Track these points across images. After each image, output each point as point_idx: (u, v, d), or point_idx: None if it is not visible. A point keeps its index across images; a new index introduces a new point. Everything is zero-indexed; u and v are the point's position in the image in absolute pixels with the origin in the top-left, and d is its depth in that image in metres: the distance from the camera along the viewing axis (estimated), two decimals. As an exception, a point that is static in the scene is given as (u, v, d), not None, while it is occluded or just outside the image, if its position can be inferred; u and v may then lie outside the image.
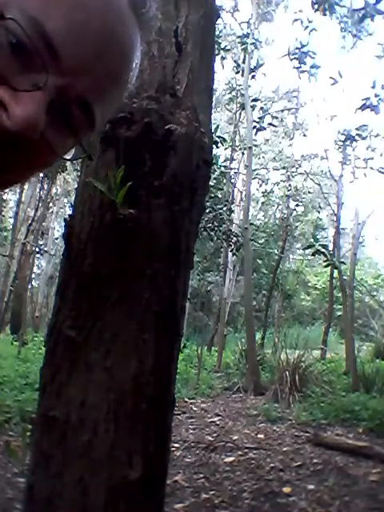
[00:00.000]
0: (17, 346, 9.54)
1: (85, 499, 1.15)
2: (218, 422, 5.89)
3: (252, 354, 8.62)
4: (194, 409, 6.59)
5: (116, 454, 1.18)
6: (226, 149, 12.81)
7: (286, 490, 3.75)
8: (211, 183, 7.34)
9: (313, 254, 9.49)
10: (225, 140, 10.63)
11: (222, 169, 9.66)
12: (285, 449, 4.89)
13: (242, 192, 14.91)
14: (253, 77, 10.92)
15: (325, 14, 8.09)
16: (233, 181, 13.50)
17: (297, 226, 17.34)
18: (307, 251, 13.32)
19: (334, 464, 4.42)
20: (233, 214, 12.26)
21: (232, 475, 4.05)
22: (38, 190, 13.02)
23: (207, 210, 8.09)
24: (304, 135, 18.04)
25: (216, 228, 9.02)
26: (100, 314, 1.23)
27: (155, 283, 1.26)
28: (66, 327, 1.24)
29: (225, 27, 12.14)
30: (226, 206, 9.61)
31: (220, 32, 9.73)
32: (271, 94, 18.42)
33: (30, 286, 15.51)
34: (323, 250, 8.76)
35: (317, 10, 7.98)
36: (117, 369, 1.20)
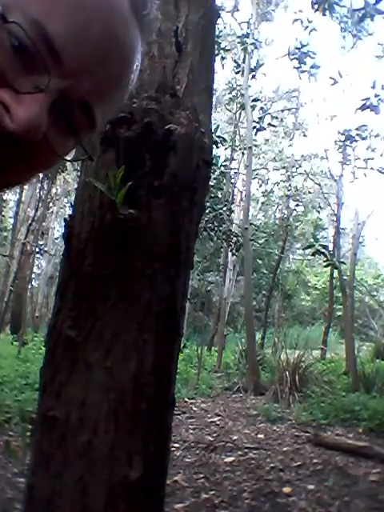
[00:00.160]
0: (17, 346, 9.54)
1: (85, 499, 1.15)
2: (218, 422, 5.89)
3: (252, 354, 8.62)
4: (194, 409, 6.59)
5: (116, 454, 1.18)
6: (226, 149, 12.82)
7: (286, 490, 3.75)
8: (211, 183, 7.34)
9: (313, 254, 9.49)
10: (225, 140, 10.64)
11: (222, 169, 9.65)
12: (285, 449, 4.89)
13: (242, 192, 14.91)
14: (253, 77, 10.93)
15: (325, 14, 8.10)
16: (233, 181, 13.51)
17: (297, 226, 17.34)
18: (307, 251, 13.32)
19: (334, 464, 4.42)
20: (233, 214, 12.26)
21: (232, 475, 4.05)
22: (37, 190, 13.02)
23: (207, 210, 8.09)
24: (304, 135, 18.05)
25: (216, 228, 9.02)
26: (100, 314, 1.23)
27: (155, 283, 1.26)
28: (66, 327, 1.24)
29: (225, 27, 12.14)
30: (226, 205, 9.61)
31: (220, 32, 9.73)
32: (271, 94, 18.42)
33: (30, 286, 15.52)
34: (323, 250, 8.76)
35: (317, 9, 7.98)
36: (117, 369, 1.20)
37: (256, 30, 12.72)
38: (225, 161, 11.25)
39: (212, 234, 9.08)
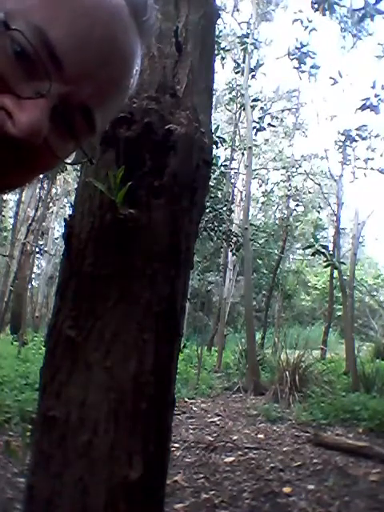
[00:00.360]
0: (17, 346, 9.54)
1: (85, 499, 1.15)
2: (218, 422, 5.89)
3: (252, 354, 8.62)
4: (194, 409, 6.59)
5: (116, 454, 1.18)
6: (225, 149, 12.82)
7: (286, 490, 3.75)
8: (211, 183, 7.34)
9: (313, 254, 9.49)
10: (225, 140, 10.64)
11: (222, 169, 9.65)
12: (285, 449, 4.89)
13: (242, 192, 14.91)
14: (253, 77, 10.94)
15: (324, 14, 8.10)
16: (233, 181, 13.52)
17: (297, 226, 17.35)
18: (307, 251, 13.32)
19: (334, 464, 4.42)
20: (233, 214, 12.26)
21: (232, 475, 4.05)
22: (37, 190, 13.02)
23: (207, 210, 8.09)
24: (304, 135, 18.06)
25: (216, 228, 9.02)
26: (100, 314, 1.23)
27: (155, 283, 1.26)
28: (66, 327, 1.24)
29: (225, 27, 12.15)
30: (226, 205, 9.61)
31: (220, 32, 9.73)
32: (271, 94, 18.42)
33: (29, 286, 15.51)
34: (323, 250, 8.77)
35: (317, 9, 7.98)
36: (117, 369, 1.20)
37: (256, 30, 12.73)
38: (225, 161, 11.24)
39: (212, 234, 9.08)
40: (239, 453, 4.68)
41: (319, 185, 14.89)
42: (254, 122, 10.55)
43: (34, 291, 19.29)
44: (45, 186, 12.67)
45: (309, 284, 21.54)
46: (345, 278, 10.10)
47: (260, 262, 16.34)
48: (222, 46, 9.87)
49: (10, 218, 16.73)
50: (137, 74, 0.53)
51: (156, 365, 1.24)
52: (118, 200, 1.22)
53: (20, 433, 4.39)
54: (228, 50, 10.96)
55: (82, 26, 0.45)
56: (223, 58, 10.26)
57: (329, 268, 11.38)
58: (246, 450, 4.76)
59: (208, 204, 8.05)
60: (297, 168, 15.77)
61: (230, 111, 14.24)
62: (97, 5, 0.46)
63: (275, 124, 13.91)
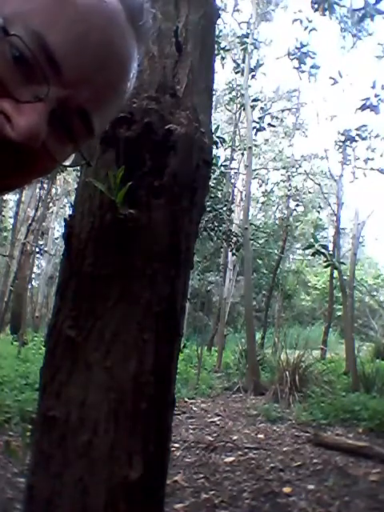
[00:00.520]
0: (17, 346, 9.54)
1: (85, 499, 1.15)
2: (218, 422, 5.89)
3: (252, 354, 8.62)
4: (194, 409, 6.59)
5: (116, 454, 1.18)
6: (225, 149, 12.81)
7: (286, 490, 3.74)
8: (211, 183, 7.34)
9: (313, 254, 9.48)
10: (225, 140, 10.64)
11: (222, 169, 9.65)
12: (285, 449, 4.89)
13: (242, 192, 14.91)
14: (253, 77, 10.94)
15: (324, 14, 8.09)
16: (233, 181, 13.52)
17: (297, 226, 17.35)
18: (307, 251, 13.31)
19: (334, 464, 4.42)
20: (233, 214, 12.26)
21: (232, 475, 4.05)
22: (37, 190, 13.01)
23: (207, 210, 8.09)
24: (304, 135, 18.06)
25: (216, 228, 9.02)
26: (100, 314, 1.23)
27: (155, 283, 1.26)
28: (66, 327, 1.24)
29: (225, 27, 12.14)
30: (226, 205, 9.61)
31: (220, 32, 9.73)
32: (271, 94, 18.40)
33: (30, 286, 15.51)
34: (323, 250, 8.75)
35: (316, 9, 7.98)
36: (117, 369, 1.20)
37: (256, 30, 12.72)
38: (225, 161, 11.24)
39: (212, 234, 9.08)
40: (239, 453, 4.68)
41: (319, 185, 14.89)
42: (254, 121, 10.54)
43: (34, 291, 19.29)
44: (45, 186, 12.66)
45: (309, 284, 21.54)
46: (345, 278, 10.10)
47: (260, 262, 16.34)
48: (222, 45, 9.87)
49: (10, 217, 16.73)
50: (134, 77, 0.54)
51: (156, 365, 1.24)
52: (118, 200, 1.22)
53: (20, 433, 4.39)
54: (228, 50, 10.95)
55: (80, 31, 0.46)
56: (223, 58, 10.26)
57: (329, 268, 11.38)
58: (245, 450, 4.76)
59: (208, 204, 8.05)
60: (297, 168, 15.77)
61: (230, 111, 14.24)
62: (94, 10, 0.47)
63: (275, 124, 13.91)
